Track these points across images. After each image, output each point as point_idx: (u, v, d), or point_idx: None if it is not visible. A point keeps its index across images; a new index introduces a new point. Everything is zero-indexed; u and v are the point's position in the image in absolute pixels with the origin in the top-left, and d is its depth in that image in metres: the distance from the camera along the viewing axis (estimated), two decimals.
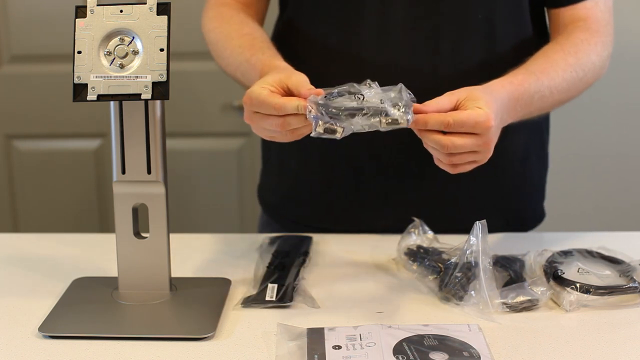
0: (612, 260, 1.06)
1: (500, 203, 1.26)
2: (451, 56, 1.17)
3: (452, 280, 0.98)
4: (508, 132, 1.09)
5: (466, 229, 1.11)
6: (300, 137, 0.97)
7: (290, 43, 1.25)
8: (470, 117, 0.92)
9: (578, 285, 0.97)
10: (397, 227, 1.16)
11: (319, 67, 1.21)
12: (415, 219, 1.13)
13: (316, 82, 1.21)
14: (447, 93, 0.96)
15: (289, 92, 0.96)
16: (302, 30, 1.24)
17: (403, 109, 0.90)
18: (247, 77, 1.12)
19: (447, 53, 1.16)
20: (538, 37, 1.23)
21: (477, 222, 0.98)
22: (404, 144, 1.20)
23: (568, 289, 0.97)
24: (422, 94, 1.12)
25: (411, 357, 0.84)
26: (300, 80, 0.95)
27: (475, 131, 0.92)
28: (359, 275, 1.08)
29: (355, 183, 1.25)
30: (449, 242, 1.08)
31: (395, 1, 1.15)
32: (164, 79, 0.89)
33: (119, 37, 0.90)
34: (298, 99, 0.93)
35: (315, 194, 1.28)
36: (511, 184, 1.26)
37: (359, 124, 0.90)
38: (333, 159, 1.25)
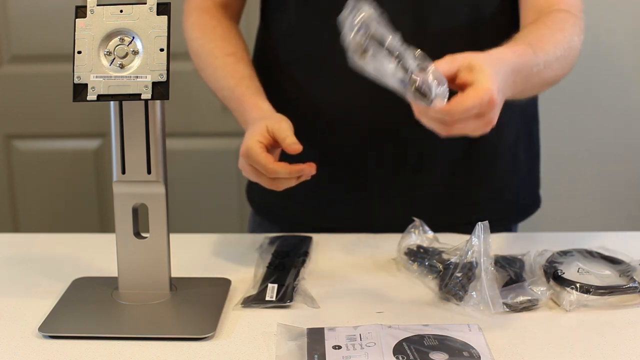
0: (612, 260, 1.06)
1: (494, 194, 1.27)
2: (437, 51, 1.17)
3: (452, 280, 0.98)
4: (497, 125, 1.10)
5: (462, 223, 1.12)
6: (281, 188, 1.07)
7: (273, 46, 1.26)
8: (474, 102, 0.86)
9: (578, 285, 0.97)
10: (393, 224, 1.16)
11: (307, 65, 1.23)
12: (416, 219, 1.13)
13: (305, 81, 1.23)
14: (448, 58, 0.91)
15: (275, 139, 1.06)
16: (285, 31, 1.25)
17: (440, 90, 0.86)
18: (228, 104, 1.20)
19: (433, 46, 1.17)
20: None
21: (480, 222, 0.98)
22: (398, 139, 1.21)
23: (568, 289, 0.97)
24: None
25: (411, 357, 0.84)
26: (282, 128, 1.05)
27: (481, 112, 0.88)
28: (359, 275, 1.08)
29: (349, 180, 1.26)
30: (449, 242, 1.08)
31: None
32: (164, 79, 0.89)
33: (119, 37, 0.90)
34: (290, 168, 1.04)
35: (309, 191, 1.29)
36: (502, 175, 1.28)
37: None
38: (327, 155, 1.26)
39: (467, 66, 0.90)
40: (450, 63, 0.91)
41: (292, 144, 1.03)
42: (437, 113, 0.87)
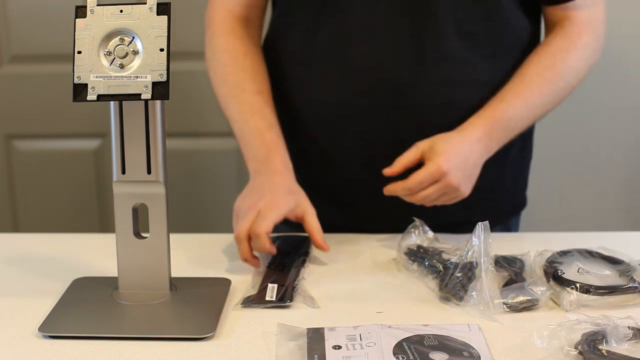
0: (612, 260, 1.06)
1: (483, 195, 1.27)
2: (434, 57, 1.18)
3: (452, 280, 0.98)
4: None
5: (455, 223, 1.15)
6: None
7: (279, 47, 1.26)
8: (425, 174, 1.10)
9: (578, 285, 0.97)
10: (392, 224, 1.16)
11: (305, 70, 1.23)
12: (416, 219, 1.13)
13: (303, 81, 1.23)
14: (414, 146, 1.14)
15: (296, 220, 1.13)
16: (288, 33, 1.26)
17: None
18: (247, 139, 1.19)
19: (430, 52, 1.17)
20: (530, 34, 1.24)
21: (480, 223, 0.98)
22: (394, 142, 1.21)
23: (568, 289, 0.97)
24: (408, 88, 1.15)
25: (411, 357, 0.84)
26: (313, 222, 1.11)
27: (434, 180, 1.11)
28: (359, 275, 1.08)
29: (347, 179, 1.26)
30: (449, 242, 1.08)
31: None
32: (164, 79, 0.89)
33: (119, 37, 0.90)
34: (251, 259, 1.07)
35: (308, 191, 1.29)
36: (492, 177, 1.28)
37: None
38: (326, 156, 1.26)
39: (429, 149, 1.13)
40: (415, 150, 1.14)
41: (322, 245, 1.10)
42: (401, 189, 1.13)
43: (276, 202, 1.09)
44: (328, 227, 1.25)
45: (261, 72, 1.25)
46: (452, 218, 1.22)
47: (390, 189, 1.15)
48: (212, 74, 1.26)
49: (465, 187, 1.14)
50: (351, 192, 1.27)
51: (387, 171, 1.15)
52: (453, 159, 1.11)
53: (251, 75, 1.23)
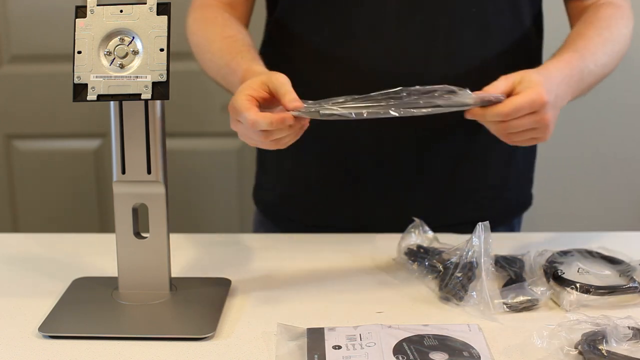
0: (612, 260, 1.06)
1: (491, 193, 1.27)
2: (444, 52, 1.17)
3: (452, 280, 0.98)
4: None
5: (459, 223, 1.14)
6: (285, 145, 0.99)
7: (281, 45, 1.26)
8: (526, 100, 0.97)
9: (578, 285, 0.97)
10: (394, 224, 1.16)
11: (310, 68, 1.22)
12: (416, 219, 1.13)
13: (307, 84, 1.22)
14: (502, 77, 1.01)
15: (271, 94, 0.97)
16: (292, 30, 1.24)
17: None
18: (228, 81, 1.13)
19: (441, 48, 1.17)
20: (536, 30, 1.24)
21: (480, 223, 0.98)
22: (398, 140, 1.21)
23: (568, 289, 0.97)
24: (415, 84, 1.15)
25: (411, 357, 0.84)
26: (281, 82, 0.97)
27: (533, 110, 0.98)
28: (359, 275, 1.08)
29: (351, 180, 1.26)
30: (449, 242, 1.08)
31: None
32: (164, 79, 0.89)
33: (119, 37, 0.90)
34: (271, 116, 0.94)
35: (311, 192, 1.29)
36: (500, 174, 1.28)
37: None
38: (329, 156, 1.26)
39: (519, 81, 1.00)
40: (505, 81, 1.01)
41: (293, 101, 0.95)
42: (493, 114, 0.98)
43: (234, 95, 0.99)
44: (330, 227, 1.25)
45: (234, 24, 1.20)
46: (462, 217, 1.21)
47: (479, 113, 0.99)
48: (192, 49, 1.23)
49: (551, 130, 1.02)
50: (354, 189, 1.27)
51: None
52: (552, 92, 1.00)
53: (220, 29, 1.19)
